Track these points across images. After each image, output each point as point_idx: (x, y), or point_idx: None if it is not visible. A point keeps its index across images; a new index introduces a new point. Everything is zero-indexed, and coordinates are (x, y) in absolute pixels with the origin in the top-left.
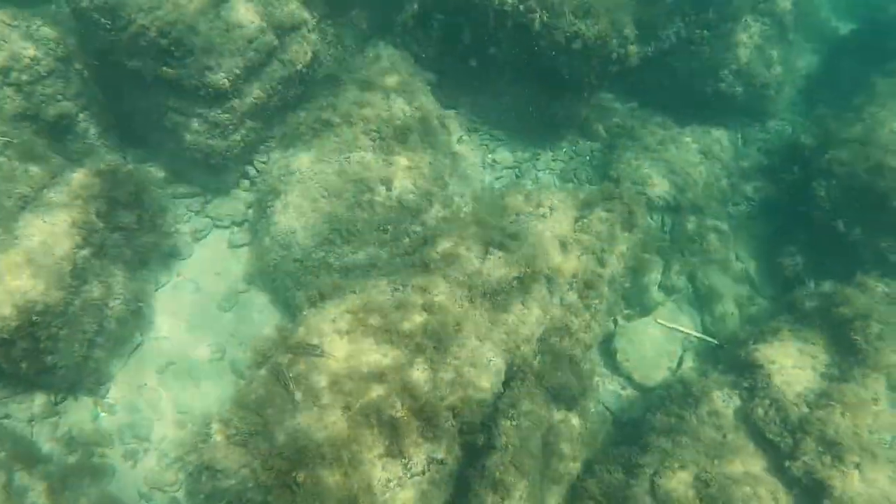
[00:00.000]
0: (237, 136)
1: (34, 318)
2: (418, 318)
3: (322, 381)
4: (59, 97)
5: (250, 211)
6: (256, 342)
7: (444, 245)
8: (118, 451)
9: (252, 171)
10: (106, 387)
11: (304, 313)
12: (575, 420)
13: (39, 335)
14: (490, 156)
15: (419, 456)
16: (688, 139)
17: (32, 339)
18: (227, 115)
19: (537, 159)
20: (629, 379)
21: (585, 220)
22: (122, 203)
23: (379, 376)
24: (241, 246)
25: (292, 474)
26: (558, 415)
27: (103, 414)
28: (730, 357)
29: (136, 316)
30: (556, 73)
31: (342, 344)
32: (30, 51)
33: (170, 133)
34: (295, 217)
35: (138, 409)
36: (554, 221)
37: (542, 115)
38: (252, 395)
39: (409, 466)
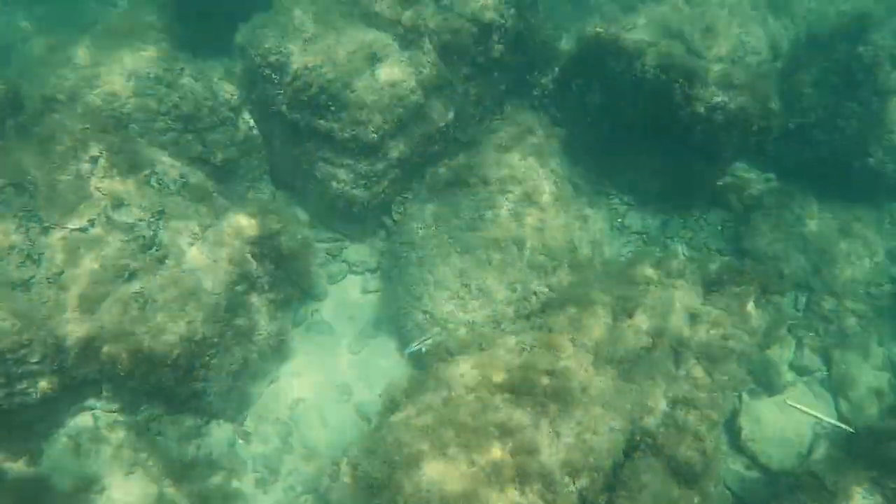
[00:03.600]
0: (379, 188)
1: (193, 347)
2: (544, 381)
3: (450, 432)
4: (228, 143)
5: (383, 259)
6: (388, 388)
7: (572, 310)
8: (250, 479)
9: (389, 222)
10: (244, 415)
11: (435, 366)
12: (696, 499)
13: (195, 363)
14: (619, 220)
15: None
16: (828, 216)
17: (189, 366)
18: (372, 168)
19: (667, 227)
20: (753, 459)
21: (716, 293)
22: (272, 247)
23: (503, 434)
24: (374, 292)
25: None
26: (678, 491)
27: (241, 441)
28: (869, 450)
29: (276, 351)
30: (692, 141)
31: (469, 400)
32: (209, 102)
33: (318, 182)
34: (427, 270)
35: (270, 441)
36: (683, 292)
37: (674, 183)
38: (381, 441)
39: None
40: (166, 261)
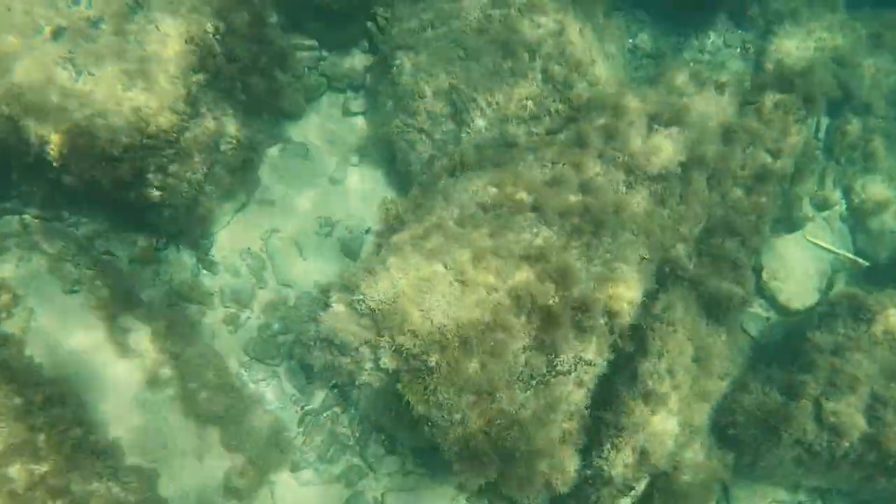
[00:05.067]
0: None
1: (144, 140)
2: (573, 198)
3: (465, 255)
4: None
5: (369, 76)
6: (385, 204)
7: (601, 119)
8: (218, 314)
9: (373, 28)
10: (209, 241)
11: (441, 182)
12: (724, 336)
13: (148, 163)
14: (630, 40)
15: (567, 353)
16: (857, 24)
17: (140, 165)
18: None
19: (681, 49)
20: (773, 300)
21: (755, 106)
22: (240, 31)
23: (530, 257)
24: (357, 114)
25: (424, 357)
26: (705, 328)
27: (205, 272)
28: None
29: (247, 168)
30: None
31: (487, 219)
32: None
33: None
34: (424, 79)
35: (240, 273)
36: (720, 105)
37: None
38: (381, 264)
39: (554, 364)
40: (101, 24)
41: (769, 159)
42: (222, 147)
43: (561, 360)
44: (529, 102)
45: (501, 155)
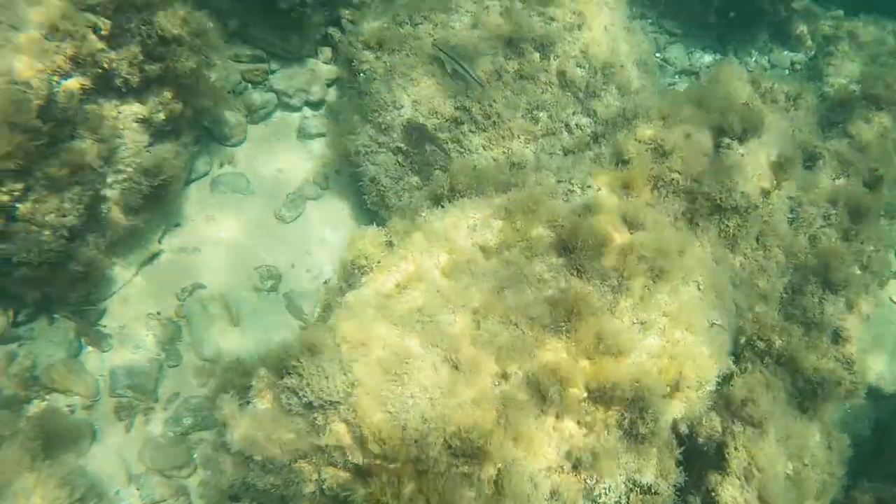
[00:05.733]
0: None
1: None
2: (617, 236)
3: (458, 322)
4: None
5: (331, 89)
6: (351, 241)
7: (648, 129)
8: (108, 404)
9: (337, 35)
10: (97, 307)
11: (423, 215)
12: (816, 437)
13: None
14: (659, 54)
15: (614, 477)
16: None
17: None
18: None
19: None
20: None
21: (851, 127)
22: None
23: (556, 327)
24: (316, 136)
25: (391, 486)
26: (797, 422)
27: (89, 349)
28: None
29: (157, 204)
30: None
31: (490, 266)
32: None
33: None
34: (401, 85)
35: (143, 347)
36: (797, 123)
37: (731, 8)
38: (329, 338)
39: (595, 495)
40: None
41: (865, 193)
42: (117, 175)
43: (605, 487)
44: (543, 114)
45: (507, 176)
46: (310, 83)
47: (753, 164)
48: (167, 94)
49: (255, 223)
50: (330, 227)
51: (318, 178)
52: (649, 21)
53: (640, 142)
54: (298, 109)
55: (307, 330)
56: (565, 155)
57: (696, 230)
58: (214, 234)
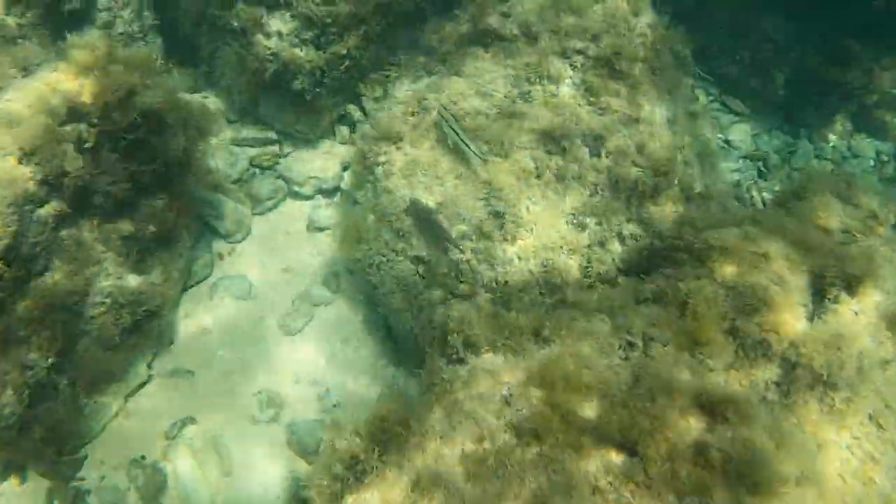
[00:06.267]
0: (341, 49)
1: None
2: (693, 424)
3: None
4: None
5: (345, 174)
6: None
7: (727, 265)
8: None
9: (356, 114)
10: (75, 459)
11: (444, 376)
12: None
13: None
14: (721, 135)
15: None
16: None
17: None
18: (330, 11)
19: (792, 152)
20: None
21: None
22: (127, 124)
23: None
24: (328, 229)
25: None
26: None
27: None
28: None
29: (146, 332)
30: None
31: (529, 460)
32: None
33: (237, 37)
34: (425, 182)
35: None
36: None
37: (809, 83)
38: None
39: None
40: None
41: None
42: (95, 309)
43: None
44: (591, 221)
45: (542, 315)
46: (324, 169)
47: (866, 322)
48: (159, 202)
49: (257, 337)
50: (341, 341)
51: (328, 279)
52: (711, 99)
53: (717, 281)
54: (310, 198)
55: None
56: (617, 276)
57: (794, 408)
58: (211, 352)
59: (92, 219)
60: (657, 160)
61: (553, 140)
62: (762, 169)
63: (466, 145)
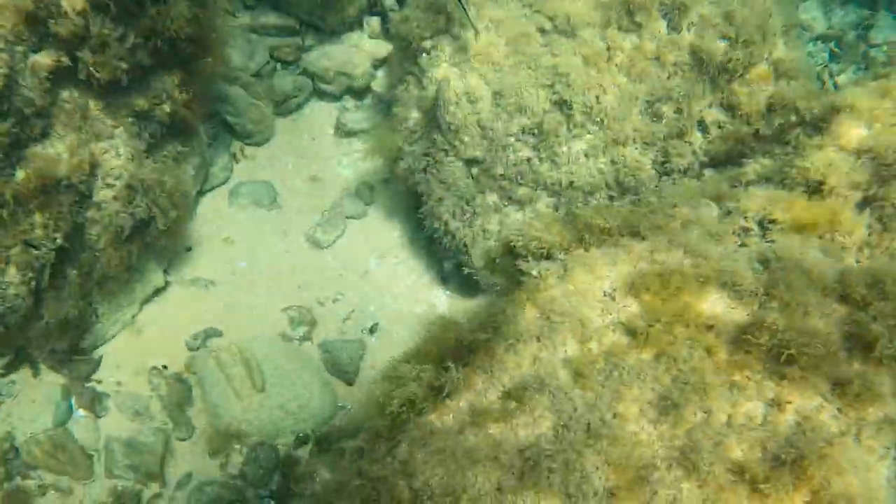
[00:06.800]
0: None
1: None
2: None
3: None
4: None
5: (379, 72)
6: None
7: (857, 130)
8: (105, 488)
9: (388, 1)
10: (90, 359)
11: (535, 273)
12: None
13: None
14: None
15: None
16: None
17: None
18: None
19: (868, 27)
20: None
21: None
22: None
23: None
24: (359, 133)
25: None
26: None
27: (82, 414)
28: None
29: (162, 231)
30: None
31: (643, 361)
32: None
33: None
34: (479, 69)
35: (145, 413)
36: None
37: None
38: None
39: None
40: None
41: None
42: (105, 191)
43: None
44: (667, 108)
45: (630, 210)
46: (352, 65)
47: None
48: (172, 79)
49: (283, 248)
50: (376, 256)
51: (362, 189)
52: None
53: (843, 150)
54: (338, 98)
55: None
56: (701, 170)
57: None
58: (233, 262)
59: (95, 87)
60: (749, 29)
61: (627, 13)
62: (835, 50)
63: (464, 9)
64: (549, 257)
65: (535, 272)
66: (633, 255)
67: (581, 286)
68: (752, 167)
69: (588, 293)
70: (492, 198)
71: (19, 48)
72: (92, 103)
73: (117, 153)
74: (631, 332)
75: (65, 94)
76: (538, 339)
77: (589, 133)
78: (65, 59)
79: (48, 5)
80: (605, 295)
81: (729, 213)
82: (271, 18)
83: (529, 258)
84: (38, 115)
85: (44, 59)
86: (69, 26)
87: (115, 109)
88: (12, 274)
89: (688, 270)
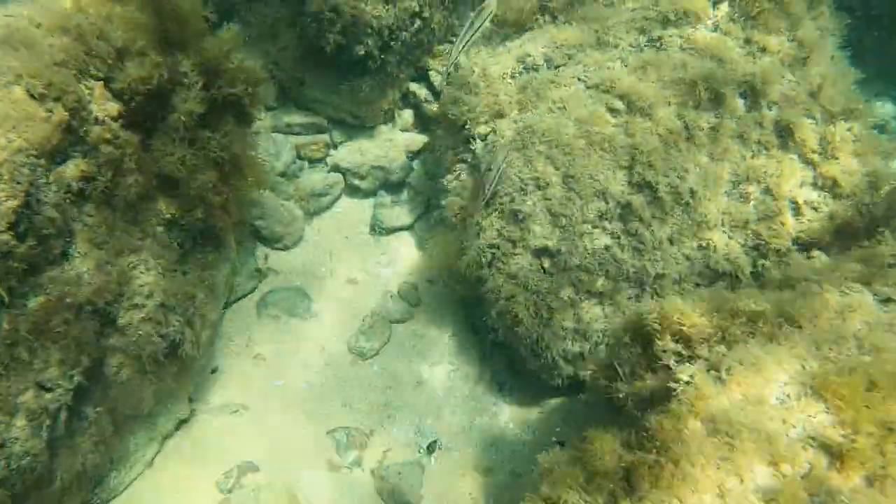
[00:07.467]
0: (412, 4)
1: None
2: None
3: None
4: None
5: (415, 164)
6: None
7: None
8: None
9: (422, 93)
10: None
11: (687, 375)
12: None
13: None
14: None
15: None
16: None
17: None
18: None
19: None
20: None
21: None
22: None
23: None
24: (398, 231)
25: None
26: None
27: None
28: None
29: (187, 355)
30: None
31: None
32: None
33: None
34: (546, 153)
35: None
36: None
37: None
38: None
39: None
40: None
41: None
42: (132, 314)
43: None
44: (754, 188)
45: (778, 294)
46: (388, 159)
47: None
48: (205, 182)
49: (323, 362)
50: (428, 364)
51: (405, 289)
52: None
53: None
54: (372, 194)
55: None
56: (805, 252)
57: None
58: (266, 381)
59: (125, 192)
60: (836, 108)
61: (704, 90)
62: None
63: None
64: (689, 347)
65: (685, 376)
66: (800, 350)
67: (751, 392)
68: (884, 248)
69: (762, 400)
70: (567, 292)
71: (42, 161)
72: (119, 213)
73: (146, 267)
74: (827, 448)
75: (89, 206)
76: (717, 466)
77: (672, 217)
78: (93, 171)
79: (80, 115)
80: (778, 401)
81: (889, 299)
82: (296, 117)
83: (668, 348)
84: (59, 234)
85: (71, 170)
86: (103, 136)
87: (143, 218)
88: (20, 425)
89: (890, 368)
